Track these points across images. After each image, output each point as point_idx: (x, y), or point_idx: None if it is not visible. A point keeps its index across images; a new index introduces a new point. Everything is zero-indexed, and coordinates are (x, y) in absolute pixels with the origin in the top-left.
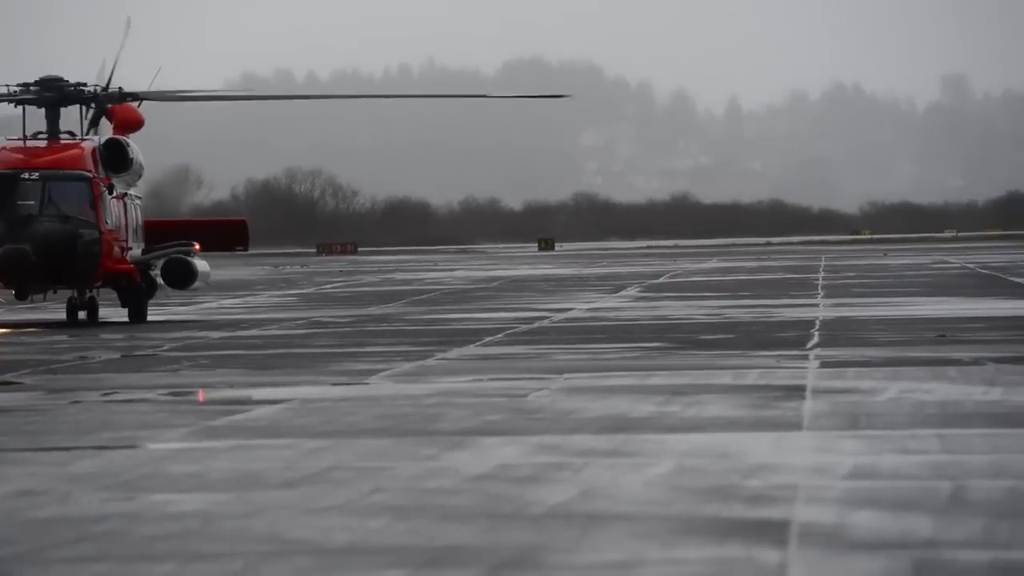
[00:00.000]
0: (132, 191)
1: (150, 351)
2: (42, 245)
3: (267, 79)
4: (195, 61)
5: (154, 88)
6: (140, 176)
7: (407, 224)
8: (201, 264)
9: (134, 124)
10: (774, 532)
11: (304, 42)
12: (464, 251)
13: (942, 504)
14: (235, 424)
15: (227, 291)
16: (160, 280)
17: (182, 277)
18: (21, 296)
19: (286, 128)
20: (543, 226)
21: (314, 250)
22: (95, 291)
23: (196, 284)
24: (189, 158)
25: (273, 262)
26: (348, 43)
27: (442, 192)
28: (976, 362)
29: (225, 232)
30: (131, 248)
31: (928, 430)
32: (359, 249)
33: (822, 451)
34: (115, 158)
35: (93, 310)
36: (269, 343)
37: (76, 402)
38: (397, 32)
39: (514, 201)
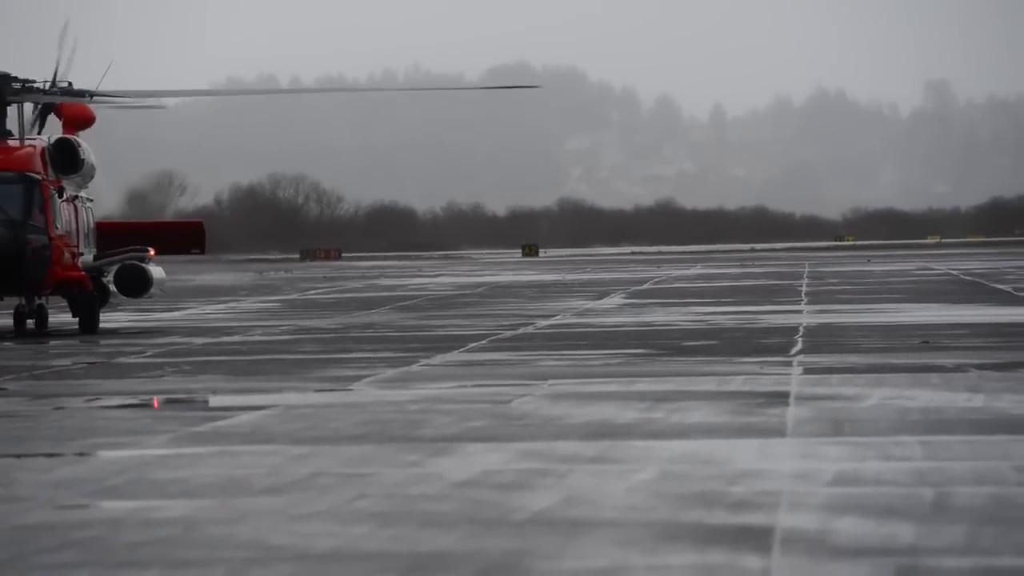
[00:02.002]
0: (83, 193)
1: (133, 357)
2: None
3: (252, 84)
4: (179, 67)
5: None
6: (92, 177)
7: (391, 229)
8: (156, 271)
9: (85, 121)
10: (757, 538)
11: (289, 47)
12: (448, 257)
13: (925, 511)
14: (219, 430)
15: (211, 297)
16: (113, 287)
17: (136, 284)
18: None
19: (270, 134)
20: (527, 232)
21: (298, 256)
22: (44, 299)
23: (151, 292)
24: (173, 164)
25: (256, 268)
26: (333, 48)
27: (426, 197)
28: (959, 369)
29: (181, 235)
30: (82, 254)
31: (911, 437)
32: (343, 255)
33: (805, 457)
34: (65, 159)
35: (42, 319)
36: (253, 349)
37: (59, 408)
38: (382, 37)
39: (498, 207)
